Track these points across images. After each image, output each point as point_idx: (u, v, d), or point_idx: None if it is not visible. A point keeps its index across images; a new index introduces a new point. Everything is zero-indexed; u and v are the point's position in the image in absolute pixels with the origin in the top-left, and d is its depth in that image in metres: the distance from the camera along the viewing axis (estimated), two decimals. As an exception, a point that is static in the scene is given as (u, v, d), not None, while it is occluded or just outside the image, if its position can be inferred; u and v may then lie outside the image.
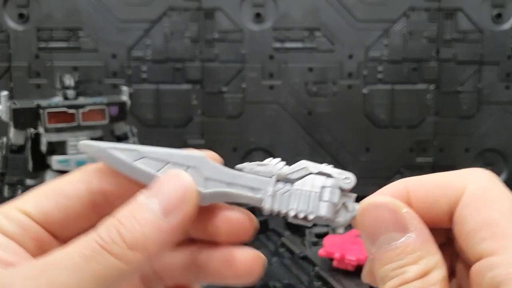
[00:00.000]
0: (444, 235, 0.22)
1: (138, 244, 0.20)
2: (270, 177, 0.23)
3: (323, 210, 0.22)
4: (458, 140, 0.97)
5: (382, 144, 0.97)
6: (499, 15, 0.94)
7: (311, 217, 0.23)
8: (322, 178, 0.23)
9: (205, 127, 0.97)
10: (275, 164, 0.24)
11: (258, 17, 0.95)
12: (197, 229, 0.23)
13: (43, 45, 0.95)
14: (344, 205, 0.23)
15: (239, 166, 0.24)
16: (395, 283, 0.19)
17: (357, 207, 0.23)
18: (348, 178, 0.23)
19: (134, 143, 0.72)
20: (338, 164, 0.96)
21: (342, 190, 0.23)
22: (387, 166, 0.98)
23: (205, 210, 0.23)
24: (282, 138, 0.97)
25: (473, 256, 0.19)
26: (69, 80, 0.65)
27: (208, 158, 0.23)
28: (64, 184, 0.23)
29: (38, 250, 0.21)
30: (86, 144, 0.23)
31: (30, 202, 0.22)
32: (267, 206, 0.23)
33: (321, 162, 0.25)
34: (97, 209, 0.22)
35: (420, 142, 0.97)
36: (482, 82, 0.95)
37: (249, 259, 0.23)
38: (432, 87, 0.96)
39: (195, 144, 0.98)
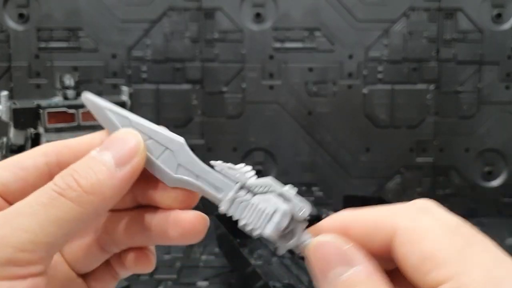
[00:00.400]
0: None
1: (94, 189, 0.22)
2: (235, 183, 0.25)
3: (268, 230, 0.24)
4: (458, 140, 0.97)
5: (382, 144, 0.97)
6: (499, 15, 0.94)
7: (256, 232, 0.24)
8: (280, 200, 0.24)
9: (205, 127, 0.97)
10: (245, 172, 0.25)
11: (258, 17, 0.95)
12: (145, 196, 0.25)
13: (43, 45, 0.95)
14: (292, 232, 0.24)
15: (212, 162, 0.25)
16: None
17: (305, 237, 0.24)
18: (303, 208, 0.24)
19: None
20: (338, 164, 0.96)
21: (294, 217, 0.24)
22: (387, 166, 0.98)
23: (153, 180, 0.25)
24: (282, 138, 0.97)
25: (424, 286, 0.20)
26: (69, 80, 0.65)
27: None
28: (23, 157, 0.24)
29: None
30: (87, 97, 0.26)
31: None
32: (222, 208, 0.24)
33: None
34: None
35: (420, 142, 0.97)
36: (482, 82, 0.95)
37: (193, 219, 0.24)
38: (432, 87, 0.96)
39: (195, 144, 0.98)
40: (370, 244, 0.22)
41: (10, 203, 0.23)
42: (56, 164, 0.24)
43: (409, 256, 0.20)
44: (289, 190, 0.24)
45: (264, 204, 0.24)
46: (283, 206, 0.24)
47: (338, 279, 0.21)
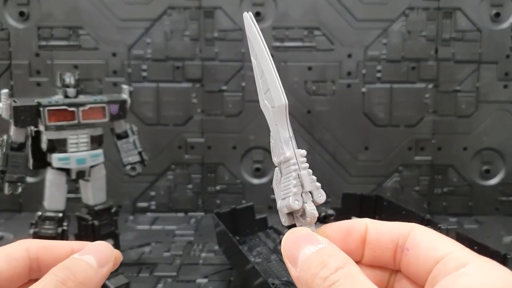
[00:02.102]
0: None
1: (85, 281, 0.28)
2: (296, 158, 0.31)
3: (279, 205, 0.29)
4: (456, 138, 0.97)
5: (381, 143, 0.98)
6: (497, 15, 0.94)
7: (274, 195, 0.29)
8: (305, 196, 0.29)
9: (205, 126, 0.98)
10: (301, 161, 0.31)
11: (257, 16, 0.95)
12: None
13: (43, 43, 0.95)
14: (296, 218, 0.29)
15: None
16: (323, 273, 0.25)
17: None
18: (312, 213, 0.28)
19: (134, 141, 0.72)
20: (337, 163, 0.97)
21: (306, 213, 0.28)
22: (386, 164, 0.98)
23: None
24: (281, 137, 0.97)
25: (434, 260, 0.25)
26: (69, 78, 0.65)
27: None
28: (12, 250, 0.30)
29: None
30: (248, 16, 0.30)
31: None
32: (275, 159, 0.31)
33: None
34: (31, 272, 0.30)
35: (418, 140, 0.98)
36: (481, 81, 0.96)
37: None
38: (430, 86, 0.96)
39: (195, 142, 0.98)
40: (390, 235, 0.28)
41: (1, 285, 0.29)
42: (35, 259, 0.30)
43: (423, 242, 0.26)
44: (321, 196, 0.29)
45: (296, 188, 0.29)
46: (288, 202, 0.28)
47: (311, 253, 0.25)
